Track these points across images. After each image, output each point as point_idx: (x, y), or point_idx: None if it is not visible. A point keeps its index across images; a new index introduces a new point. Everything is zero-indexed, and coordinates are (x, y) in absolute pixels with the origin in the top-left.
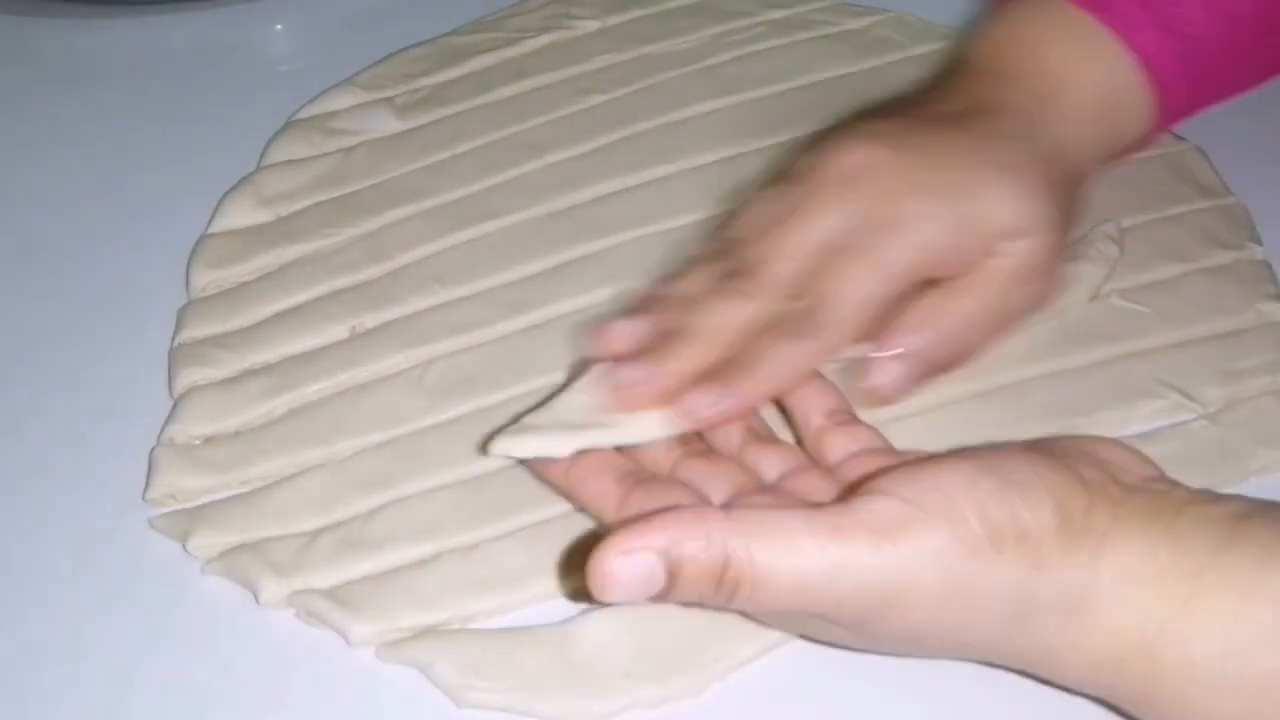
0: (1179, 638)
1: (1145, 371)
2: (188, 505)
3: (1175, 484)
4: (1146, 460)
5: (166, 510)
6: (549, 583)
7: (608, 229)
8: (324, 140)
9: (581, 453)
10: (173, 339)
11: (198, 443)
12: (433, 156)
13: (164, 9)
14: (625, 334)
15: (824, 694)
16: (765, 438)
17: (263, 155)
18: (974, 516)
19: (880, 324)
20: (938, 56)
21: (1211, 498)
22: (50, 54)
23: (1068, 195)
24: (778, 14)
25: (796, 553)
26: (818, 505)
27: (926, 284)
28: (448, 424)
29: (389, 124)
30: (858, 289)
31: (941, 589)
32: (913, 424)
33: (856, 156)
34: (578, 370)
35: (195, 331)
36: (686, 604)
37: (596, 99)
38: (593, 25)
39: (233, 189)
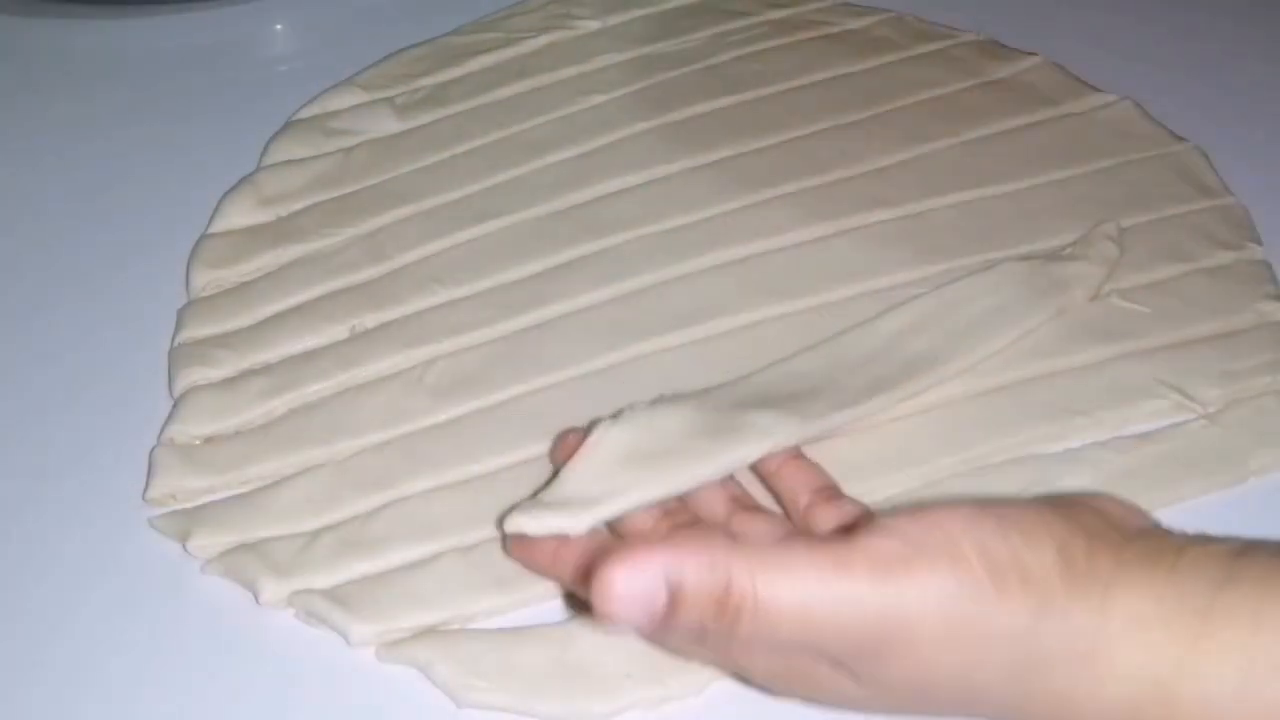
0: (1194, 675)
1: (1145, 371)
2: (188, 505)
3: (1169, 531)
4: (1141, 511)
5: (166, 510)
6: (549, 583)
7: (608, 229)
8: (324, 140)
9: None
10: (173, 339)
11: (198, 443)
12: (433, 156)
13: (164, 9)
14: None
15: None
16: (751, 506)
17: (263, 155)
18: (975, 555)
19: None
20: (938, 56)
21: (1207, 538)
22: (50, 54)
23: None
24: (778, 14)
25: (799, 581)
26: (821, 537)
27: None
28: (448, 424)
29: (389, 124)
30: None
31: (943, 629)
32: (913, 424)
33: None
34: (579, 438)
35: (195, 331)
36: (687, 641)
37: (596, 99)
38: (593, 25)
39: (233, 189)
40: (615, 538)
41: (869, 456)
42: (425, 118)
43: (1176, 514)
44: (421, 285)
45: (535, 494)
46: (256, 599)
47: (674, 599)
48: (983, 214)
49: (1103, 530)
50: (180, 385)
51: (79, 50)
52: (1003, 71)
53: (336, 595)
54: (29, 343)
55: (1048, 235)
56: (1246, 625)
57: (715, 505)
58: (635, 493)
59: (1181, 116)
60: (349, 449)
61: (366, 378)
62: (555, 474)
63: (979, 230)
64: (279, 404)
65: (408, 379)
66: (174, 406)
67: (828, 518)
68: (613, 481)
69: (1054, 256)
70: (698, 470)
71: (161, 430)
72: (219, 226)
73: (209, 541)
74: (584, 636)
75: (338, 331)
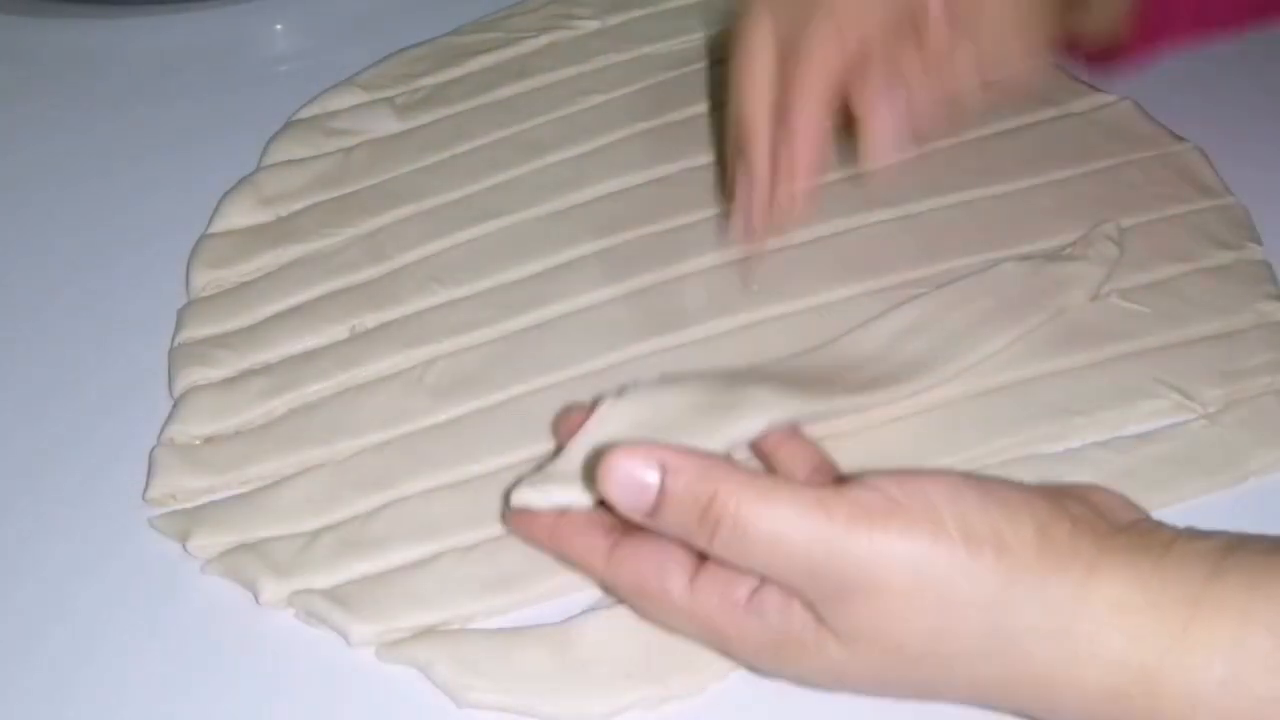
0: (1180, 667)
1: (1145, 371)
2: (188, 505)
3: (1160, 524)
4: (1133, 505)
5: (166, 510)
6: (549, 583)
7: (608, 229)
8: (324, 140)
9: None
10: (173, 339)
11: (198, 443)
12: (433, 156)
13: (164, 9)
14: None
15: (823, 694)
16: None
17: (263, 155)
18: (952, 521)
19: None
20: None
21: (1197, 533)
22: (50, 54)
23: None
24: None
25: (779, 510)
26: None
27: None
28: (448, 424)
29: (389, 124)
30: None
31: (911, 583)
32: (913, 424)
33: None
34: (587, 413)
35: (195, 331)
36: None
37: (596, 99)
38: (593, 25)
39: (233, 189)
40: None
41: (869, 456)
42: (425, 118)
43: (1176, 514)
44: (421, 285)
45: (540, 468)
46: (256, 599)
47: (662, 493)
48: (983, 214)
49: (1089, 518)
50: (180, 385)
51: (79, 50)
52: None
53: (336, 595)
54: (29, 343)
55: (1048, 235)
56: (1234, 619)
57: None
58: None
59: (1181, 116)
60: (349, 449)
61: (366, 378)
62: (558, 449)
63: (979, 230)
64: (279, 404)
65: (408, 379)
66: (174, 406)
67: None
68: None
69: (1054, 256)
70: (699, 445)
71: (161, 430)
72: (219, 226)
73: (209, 541)
74: (584, 636)
75: (338, 331)
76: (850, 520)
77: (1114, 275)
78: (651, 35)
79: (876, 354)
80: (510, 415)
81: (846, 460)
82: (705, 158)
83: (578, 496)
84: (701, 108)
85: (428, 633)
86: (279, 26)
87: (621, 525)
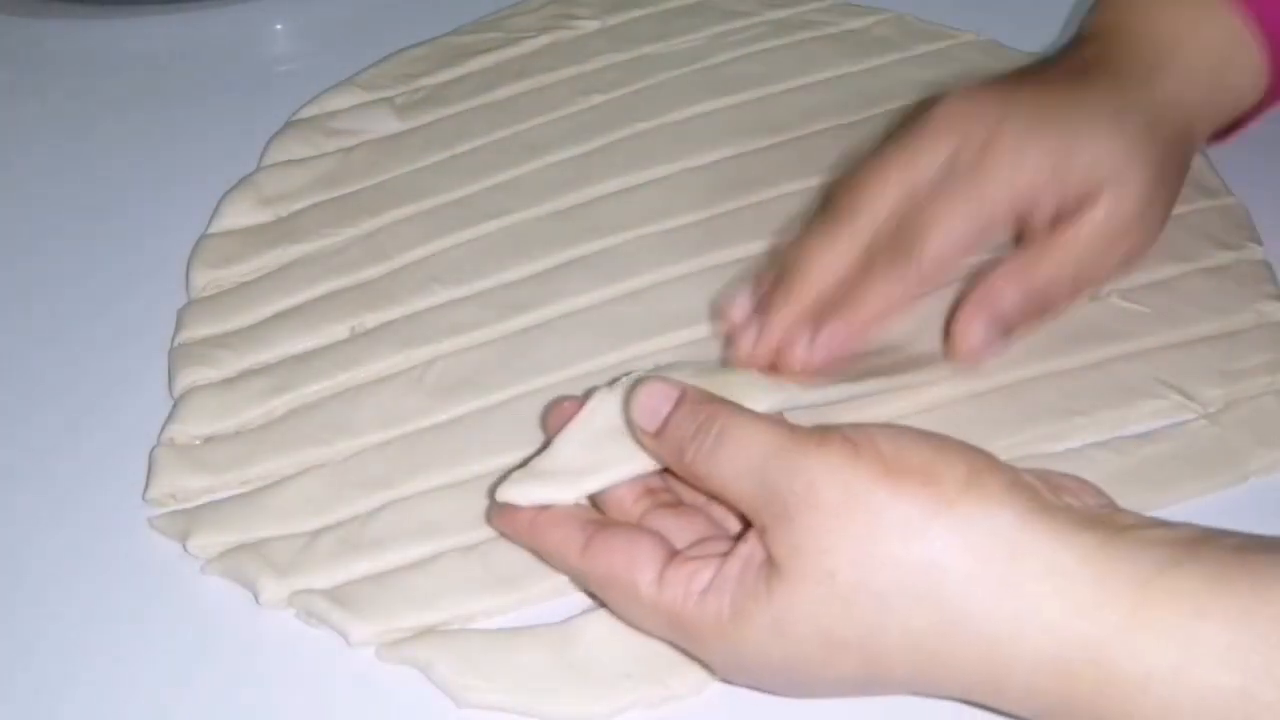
0: (1130, 649)
1: (1145, 371)
2: (187, 505)
3: (1123, 512)
4: (1102, 493)
5: (166, 510)
6: (549, 583)
7: (608, 229)
8: (324, 140)
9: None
10: (173, 339)
11: (198, 443)
12: (433, 156)
13: (164, 9)
14: (739, 304)
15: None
16: None
17: (263, 155)
18: (887, 447)
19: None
20: (938, 56)
21: (1162, 524)
22: (50, 54)
23: (1173, 154)
24: (778, 14)
25: (755, 425)
26: None
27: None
28: (448, 424)
29: (389, 124)
30: (951, 225)
31: (841, 502)
32: (912, 423)
33: (960, 103)
34: (574, 406)
35: (195, 331)
36: (661, 461)
37: (596, 99)
38: (593, 25)
39: (233, 189)
40: (593, 509)
41: None
42: (425, 118)
43: (1176, 514)
44: (421, 285)
45: (526, 461)
46: (256, 599)
47: (673, 408)
48: None
49: (1033, 486)
50: (180, 385)
51: (79, 50)
52: (1003, 71)
53: (336, 595)
54: (29, 342)
55: None
56: (1189, 609)
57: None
58: (625, 465)
59: None
60: (349, 449)
61: (366, 378)
62: (546, 442)
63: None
64: (279, 404)
65: (407, 379)
66: (174, 406)
67: None
68: (603, 453)
69: None
70: None
71: (161, 430)
72: (219, 226)
73: (209, 541)
74: (584, 636)
75: (338, 331)
76: (804, 438)
77: None
78: (651, 35)
79: (876, 353)
80: (510, 415)
81: None
82: (705, 158)
83: (560, 493)
84: (701, 108)
85: (428, 633)
86: (279, 26)
87: (597, 520)
